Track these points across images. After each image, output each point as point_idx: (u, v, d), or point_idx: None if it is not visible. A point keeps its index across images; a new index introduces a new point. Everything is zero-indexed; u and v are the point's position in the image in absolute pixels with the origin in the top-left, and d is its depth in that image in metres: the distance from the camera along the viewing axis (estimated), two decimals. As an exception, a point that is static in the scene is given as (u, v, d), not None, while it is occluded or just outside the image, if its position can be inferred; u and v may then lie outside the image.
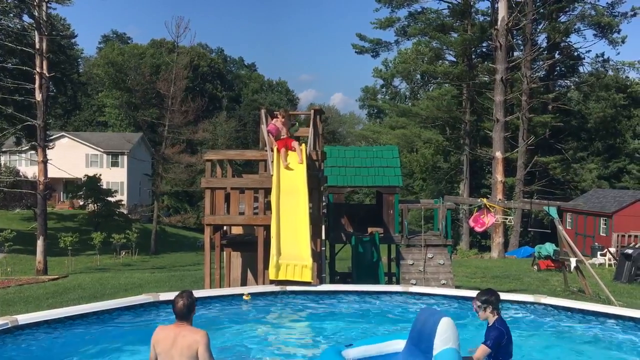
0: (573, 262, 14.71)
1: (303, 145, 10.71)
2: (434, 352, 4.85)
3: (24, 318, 6.31)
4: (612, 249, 27.19)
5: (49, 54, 23.82)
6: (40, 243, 22.54)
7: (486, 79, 43.49)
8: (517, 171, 41.16)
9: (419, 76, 55.89)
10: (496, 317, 5.52)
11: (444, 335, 4.89)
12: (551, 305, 7.87)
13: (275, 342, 6.81)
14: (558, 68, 47.67)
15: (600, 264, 25.67)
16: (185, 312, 4.82)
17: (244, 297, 8.08)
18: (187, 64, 43.65)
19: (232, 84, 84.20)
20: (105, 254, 30.34)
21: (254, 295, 8.21)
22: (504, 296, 8.50)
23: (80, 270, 24.30)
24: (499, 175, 35.54)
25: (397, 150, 16.09)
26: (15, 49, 27.73)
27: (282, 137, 10.41)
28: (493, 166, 37.05)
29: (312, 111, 11.37)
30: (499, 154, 35.86)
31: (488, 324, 5.54)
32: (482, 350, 5.39)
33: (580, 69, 47.15)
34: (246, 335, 6.94)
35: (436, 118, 45.61)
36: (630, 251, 19.66)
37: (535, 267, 23.96)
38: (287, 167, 9.97)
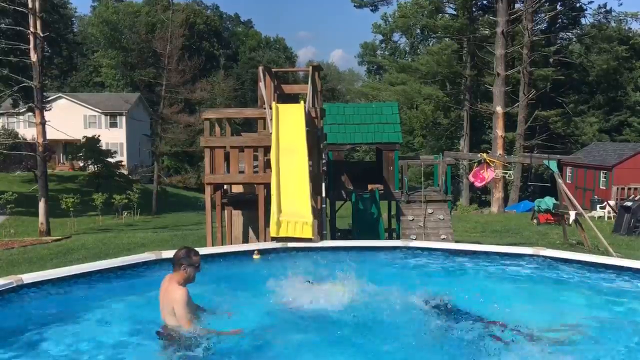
0: (572, 215, 14.79)
1: None
2: None
3: (28, 277, 6.36)
4: (612, 202, 27.25)
5: (42, 14, 23.37)
6: (42, 205, 22.60)
7: (487, 32, 42.84)
8: (518, 126, 40.95)
9: (418, 31, 55.11)
10: None
11: None
12: (550, 257, 7.95)
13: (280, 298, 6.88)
14: (560, 20, 46.89)
15: (600, 217, 25.81)
16: (173, 261, 5.18)
17: (254, 256, 8.11)
18: (182, 21, 43.05)
19: (228, 42, 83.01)
20: (107, 215, 30.51)
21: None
22: (503, 249, 8.62)
23: (82, 231, 24.49)
24: (499, 130, 35.43)
25: (397, 106, 15.97)
26: (8, 9, 27.20)
27: None
28: (493, 121, 36.90)
29: (311, 68, 11.23)
30: (499, 109, 35.66)
31: None
32: None
33: (583, 20, 46.48)
34: (250, 293, 7.00)
35: (436, 73, 45.17)
36: (629, 204, 19.71)
37: (535, 221, 24.04)
38: None
